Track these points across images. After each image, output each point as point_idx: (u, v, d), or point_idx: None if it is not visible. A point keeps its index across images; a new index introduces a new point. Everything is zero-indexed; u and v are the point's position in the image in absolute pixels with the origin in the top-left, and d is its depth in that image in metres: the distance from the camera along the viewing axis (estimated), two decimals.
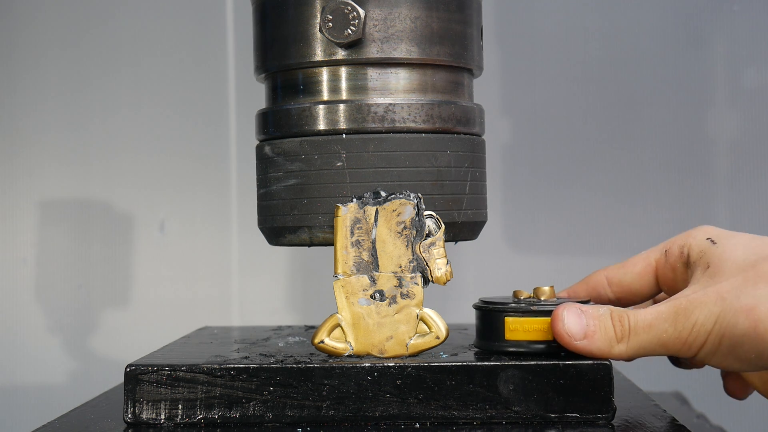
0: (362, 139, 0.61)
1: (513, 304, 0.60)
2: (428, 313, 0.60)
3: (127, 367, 0.58)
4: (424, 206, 0.60)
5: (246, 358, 0.60)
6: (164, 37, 1.02)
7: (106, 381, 0.75)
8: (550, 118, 1.01)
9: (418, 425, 0.57)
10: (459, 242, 0.65)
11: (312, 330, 0.74)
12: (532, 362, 0.57)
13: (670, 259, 0.62)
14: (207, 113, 1.02)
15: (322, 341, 0.60)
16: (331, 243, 0.62)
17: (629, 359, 0.57)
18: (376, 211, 0.60)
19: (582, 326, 0.57)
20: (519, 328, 0.59)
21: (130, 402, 0.58)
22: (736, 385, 0.63)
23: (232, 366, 0.58)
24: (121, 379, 0.59)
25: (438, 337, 0.59)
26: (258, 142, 0.66)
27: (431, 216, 0.60)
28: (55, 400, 1.00)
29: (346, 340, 0.60)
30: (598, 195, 1.00)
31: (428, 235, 0.60)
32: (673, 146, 1.00)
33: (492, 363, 0.57)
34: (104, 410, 0.63)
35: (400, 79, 0.62)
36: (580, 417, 0.56)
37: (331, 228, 0.61)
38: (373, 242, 0.60)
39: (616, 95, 1.00)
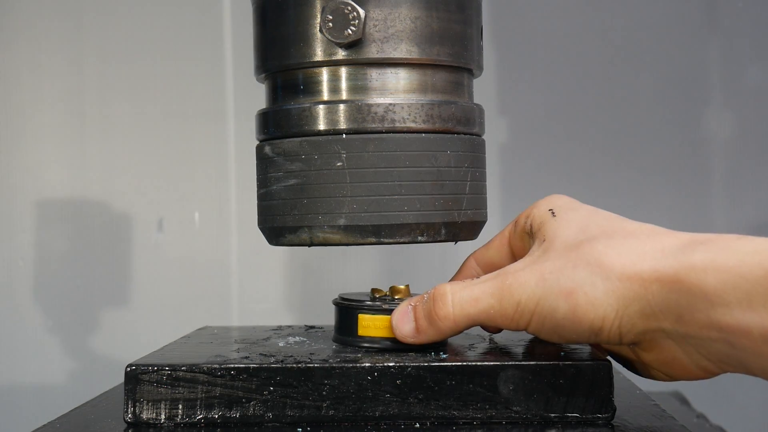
0: (362, 139, 0.61)
1: (368, 302, 0.62)
2: None
3: (127, 367, 0.58)
4: None
5: (246, 358, 0.60)
6: (163, 37, 1.02)
7: (106, 381, 0.75)
8: (548, 117, 1.01)
9: (418, 425, 0.57)
10: (459, 242, 0.65)
11: (312, 330, 0.74)
12: (532, 362, 0.57)
13: (517, 229, 0.62)
14: (206, 113, 1.02)
15: None
16: (331, 243, 0.62)
17: (462, 330, 0.58)
18: None
19: (410, 326, 0.59)
20: (371, 325, 0.61)
21: (130, 402, 0.58)
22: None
23: (232, 366, 0.58)
24: (121, 379, 0.59)
25: None
26: (258, 142, 0.66)
27: None
28: (55, 400, 1.00)
29: None
30: (596, 194, 1.00)
31: None
32: (671, 145, 1.00)
33: (492, 363, 0.57)
34: (104, 410, 0.63)
35: (400, 79, 0.62)
36: (580, 417, 0.56)
37: (332, 228, 0.61)
38: None
39: (614, 94, 1.00)
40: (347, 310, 0.63)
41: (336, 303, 0.65)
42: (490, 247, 0.64)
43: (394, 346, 0.61)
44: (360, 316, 0.62)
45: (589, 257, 0.54)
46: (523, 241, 0.61)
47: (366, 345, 0.62)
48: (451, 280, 0.66)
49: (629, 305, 0.53)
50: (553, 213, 0.59)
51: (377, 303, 0.62)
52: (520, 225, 0.61)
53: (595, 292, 0.53)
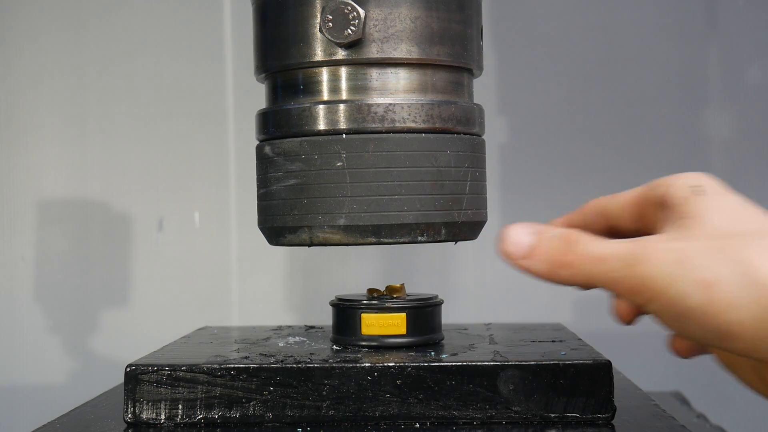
0: (362, 139, 0.61)
1: (373, 301, 0.64)
2: None
3: (127, 367, 0.58)
4: None
5: (246, 358, 0.60)
6: (163, 37, 1.02)
7: (106, 381, 0.75)
8: (548, 117, 1.01)
9: (418, 425, 0.57)
10: (459, 242, 0.65)
11: (312, 330, 0.74)
12: (532, 362, 0.57)
13: (649, 195, 0.55)
14: (206, 113, 1.02)
15: None
16: (331, 243, 0.62)
17: (577, 286, 0.52)
18: None
19: (524, 245, 0.52)
20: (375, 324, 0.62)
21: (130, 402, 0.58)
22: (682, 343, 0.54)
23: (232, 366, 0.58)
24: (121, 379, 0.59)
25: None
26: (258, 142, 0.66)
27: None
28: (55, 400, 1.00)
29: None
30: (596, 193, 1.00)
31: None
32: (671, 145, 1.00)
33: (492, 363, 0.57)
34: (104, 410, 0.63)
35: (400, 79, 0.62)
36: (580, 417, 0.56)
37: (332, 228, 0.61)
38: None
39: (614, 94, 1.00)
40: (348, 311, 0.64)
41: (334, 304, 0.65)
42: (617, 200, 0.57)
43: (397, 343, 0.62)
44: (363, 315, 0.63)
45: (739, 254, 0.48)
46: (655, 209, 0.54)
47: (375, 344, 0.62)
48: (567, 215, 0.60)
49: None
50: (700, 191, 0.53)
51: (378, 302, 0.63)
52: (655, 190, 0.54)
53: (739, 293, 0.47)
